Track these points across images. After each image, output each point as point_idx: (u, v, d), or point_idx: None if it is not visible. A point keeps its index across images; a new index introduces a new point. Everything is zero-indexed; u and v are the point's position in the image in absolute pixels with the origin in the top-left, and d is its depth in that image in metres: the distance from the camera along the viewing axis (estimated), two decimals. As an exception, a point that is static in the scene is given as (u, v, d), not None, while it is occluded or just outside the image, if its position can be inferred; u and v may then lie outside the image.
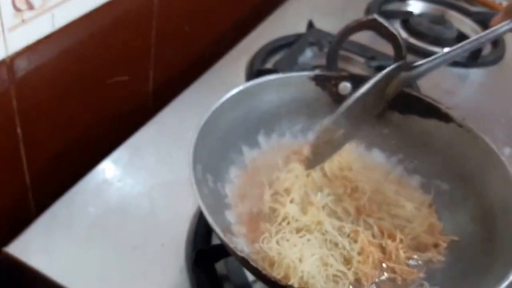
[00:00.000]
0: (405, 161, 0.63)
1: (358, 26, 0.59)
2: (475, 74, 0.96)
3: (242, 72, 0.87)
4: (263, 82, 0.60)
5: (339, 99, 0.63)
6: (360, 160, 0.63)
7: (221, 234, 0.44)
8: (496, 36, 0.58)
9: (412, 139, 0.62)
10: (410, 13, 1.08)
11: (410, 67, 0.58)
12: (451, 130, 0.60)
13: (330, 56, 0.62)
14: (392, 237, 0.55)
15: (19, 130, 0.62)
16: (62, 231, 0.59)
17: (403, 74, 0.58)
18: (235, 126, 0.59)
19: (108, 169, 0.67)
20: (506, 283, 0.45)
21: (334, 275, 0.51)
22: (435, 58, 0.58)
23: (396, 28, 1.00)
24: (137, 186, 0.65)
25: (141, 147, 0.71)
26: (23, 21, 0.55)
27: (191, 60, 0.95)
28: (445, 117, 0.60)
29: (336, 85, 0.63)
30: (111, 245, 0.58)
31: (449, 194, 0.59)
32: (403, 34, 1.04)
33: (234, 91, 0.57)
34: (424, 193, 0.61)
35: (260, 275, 0.43)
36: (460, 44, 0.58)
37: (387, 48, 0.89)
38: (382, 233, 0.56)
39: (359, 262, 0.52)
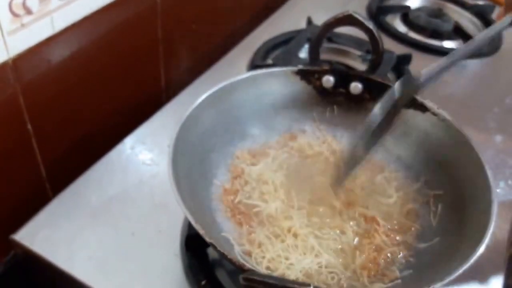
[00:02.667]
0: (384, 151, 0.65)
1: (336, 22, 0.62)
2: (471, 64, 0.97)
3: (244, 67, 0.90)
4: (245, 78, 0.63)
5: (324, 92, 0.67)
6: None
7: (193, 221, 0.47)
8: (498, 32, 0.58)
9: (393, 129, 0.65)
10: (408, 7, 1.09)
11: (415, 80, 0.58)
12: (427, 119, 0.62)
13: (312, 51, 0.65)
14: (375, 222, 0.58)
15: (29, 127, 0.66)
16: (66, 219, 0.63)
17: (411, 89, 0.59)
18: (220, 122, 0.62)
19: (111, 160, 0.71)
20: (472, 260, 0.47)
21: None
22: (437, 67, 0.58)
23: (391, 24, 1.04)
24: (138, 176, 0.69)
25: (144, 140, 0.74)
26: (22, 25, 0.59)
27: (202, 56, 0.98)
28: (421, 107, 0.62)
29: (320, 79, 0.66)
30: (112, 231, 0.62)
31: (428, 181, 0.62)
32: (403, 28, 1.06)
33: (213, 89, 0.61)
34: (406, 180, 0.63)
35: (227, 259, 0.46)
36: (463, 47, 0.59)
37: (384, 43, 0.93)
38: (366, 220, 0.59)
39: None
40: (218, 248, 0.45)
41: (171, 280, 0.58)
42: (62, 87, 0.70)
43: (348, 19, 0.61)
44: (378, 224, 0.58)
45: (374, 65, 0.64)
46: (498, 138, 0.81)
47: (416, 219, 0.60)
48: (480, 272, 0.61)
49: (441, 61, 0.58)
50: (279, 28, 0.99)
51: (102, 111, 0.80)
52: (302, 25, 0.99)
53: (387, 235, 0.58)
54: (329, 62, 0.77)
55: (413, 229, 0.59)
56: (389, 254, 0.56)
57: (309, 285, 0.37)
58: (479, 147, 0.58)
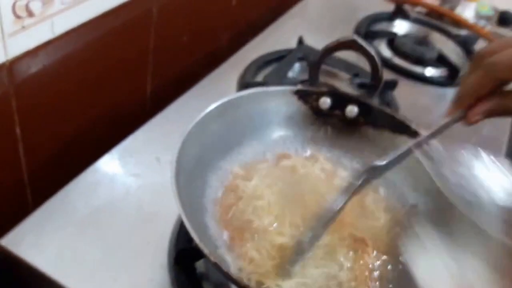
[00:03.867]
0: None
1: (339, 45, 0.63)
2: (452, 93, 0.99)
3: (234, 83, 0.90)
4: (247, 95, 0.64)
5: (319, 113, 0.68)
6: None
7: (197, 239, 0.47)
8: (448, 127, 0.58)
9: (384, 152, 0.66)
10: (395, 34, 1.12)
11: (376, 169, 0.58)
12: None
13: (311, 72, 0.66)
14: (365, 243, 0.59)
15: (18, 130, 0.65)
16: (53, 227, 0.62)
17: (369, 176, 0.58)
18: (219, 137, 0.62)
19: (99, 170, 0.70)
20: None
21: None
22: (399, 155, 0.58)
23: (377, 49, 1.06)
24: (125, 187, 0.68)
25: (132, 150, 0.74)
26: (23, 27, 0.58)
27: (188, 68, 0.98)
28: (414, 134, 0.63)
29: (317, 100, 0.67)
30: (98, 241, 0.61)
31: (417, 206, 0.63)
32: (388, 53, 1.08)
33: (217, 103, 0.61)
34: (393, 203, 0.64)
35: (231, 279, 0.46)
36: (424, 135, 0.58)
37: (367, 66, 0.94)
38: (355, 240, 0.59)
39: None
40: (223, 268, 0.45)
41: (158, 292, 0.58)
42: (54, 92, 0.69)
43: (351, 44, 0.62)
44: (367, 244, 0.59)
45: (371, 90, 0.66)
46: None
47: (403, 240, 0.60)
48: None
49: (403, 148, 0.57)
50: (269, 46, 1.00)
51: (88, 118, 0.79)
52: (292, 44, 1.00)
53: (375, 255, 0.58)
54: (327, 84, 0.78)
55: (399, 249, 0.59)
56: (376, 273, 0.57)
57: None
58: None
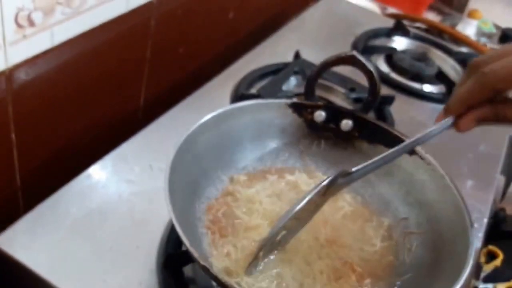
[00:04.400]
0: (368, 187, 0.67)
1: (337, 60, 0.63)
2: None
3: (228, 95, 0.91)
4: (242, 106, 0.65)
5: (313, 125, 0.68)
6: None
7: (187, 243, 0.47)
8: (434, 136, 0.57)
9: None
10: (394, 49, 1.13)
11: (347, 174, 0.56)
12: (413, 161, 0.64)
13: (308, 86, 0.67)
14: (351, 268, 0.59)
15: (13, 136, 0.66)
16: (45, 229, 0.63)
17: (341, 180, 0.56)
18: (212, 147, 0.63)
19: (92, 175, 0.71)
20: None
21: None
22: (371, 163, 0.56)
23: (374, 64, 1.07)
24: (118, 193, 0.69)
25: (125, 157, 0.75)
26: (24, 36, 0.59)
27: (183, 79, 1.00)
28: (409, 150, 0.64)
29: (312, 113, 0.67)
30: (90, 244, 0.62)
31: (407, 219, 0.63)
32: (386, 69, 1.09)
33: (213, 113, 0.62)
34: (385, 219, 0.65)
35: (219, 283, 0.47)
36: (396, 148, 0.57)
37: (364, 80, 0.95)
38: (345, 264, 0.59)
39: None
40: (212, 272, 0.46)
41: (147, 296, 0.58)
42: (49, 100, 0.70)
43: (350, 59, 0.62)
44: (353, 270, 0.58)
45: (368, 106, 0.66)
46: (469, 183, 0.84)
47: (393, 271, 0.60)
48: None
49: (375, 158, 0.56)
50: (265, 59, 1.01)
51: (83, 125, 0.80)
52: (288, 58, 1.01)
53: (358, 280, 0.58)
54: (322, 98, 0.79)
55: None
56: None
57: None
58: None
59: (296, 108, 0.67)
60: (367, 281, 0.58)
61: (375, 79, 0.63)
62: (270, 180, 0.67)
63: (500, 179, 0.95)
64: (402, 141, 0.64)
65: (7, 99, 0.63)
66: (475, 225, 0.76)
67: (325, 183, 0.54)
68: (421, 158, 0.63)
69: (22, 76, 0.63)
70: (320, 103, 0.67)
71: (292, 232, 0.56)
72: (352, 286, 0.56)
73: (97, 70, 0.76)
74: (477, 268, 0.93)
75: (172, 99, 0.87)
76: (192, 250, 0.46)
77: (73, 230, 0.64)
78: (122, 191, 0.70)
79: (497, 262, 1.27)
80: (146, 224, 0.66)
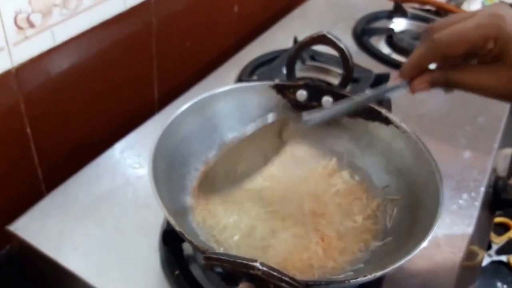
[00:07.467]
0: (353, 160, 0.71)
1: (310, 41, 0.68)
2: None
3: (232, 82, 0.96)
4: (226, 91, 0.70)
5: (298, 104, 0.73)
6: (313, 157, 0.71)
7: (165, 211, 0.53)
8: (386, 95, 0.62)
9: (359, 139, 0.71)
10: (392, 29, 1.15)
11: (298, 120, 0.63)
12: (390, 131, 0.68)
13: (288, 67, 0.71)
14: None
15: (28, 130, 0.72)
16: (56, 214, 0.69)
17: (295, 125, 0.63)
18: (199, 129, 0.68)
19: (102, 163, 0.77)
20: (412, 255, 0.52)
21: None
22: (325, 111, 0.63)
23: (374, 44, 1.09)
24: (124, 178, 0.75)
25: (133, 145, 0.80)
26: (26, 37, 0.65)
27: (193, 71, 1.04)
28: (385, 120, 0.68)
29: (294, 93, 0.72)
30: (97, 226, 0.68)
31: (389, 187, 0.67)
32: (387, 50, 1.12)
33: (196, 99, 0.67)
34: (376, 199, 0.68)
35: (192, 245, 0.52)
36: (348, 100, 0.63)
37: (365, 62, 0.98)
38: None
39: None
40: (186, 236, 0.51)
41: (150, 271, 0.63)
42: (60, 96, 0.75)
43: (322, 39, 0.67)
44: (322, 239, 0.62)
45: (344, 81, 0.70)
46: (467, 154, 0.87)
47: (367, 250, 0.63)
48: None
49: (328, 107, 0.64)
50: (268, 47, 1.05)
51: (96, 120, 0.85)
52: (289, 44, 1.05)
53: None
54: (305, 78, 0.83)
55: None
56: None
57: (256, 261, 0.42)
58: (437, 156, 0.63)
59: (279, 89, 0.72)
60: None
61: (346, 55, 0.67)
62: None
63: (507, 153, 0.97)
64: (378, 112, 0.68)
65: (18, 96, 0.68)
66: (472, 193, 0.79)
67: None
68: (397, 127, 0.67)
69: (29, 74, 0.68)
70: (300, 82, 0.71)
71: (251, 169, 0.63)
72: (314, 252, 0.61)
73: (105, 68, 0.81)
74: (482, 237, 0.94)
75: (185, 92, 0.92)
76: (170, 218, 0.52)
77: (82, 214, 0.69)
78: (128, 176, 0.75)
79: (510, 233, 1.28)
80: (149, 207, 0.70)
